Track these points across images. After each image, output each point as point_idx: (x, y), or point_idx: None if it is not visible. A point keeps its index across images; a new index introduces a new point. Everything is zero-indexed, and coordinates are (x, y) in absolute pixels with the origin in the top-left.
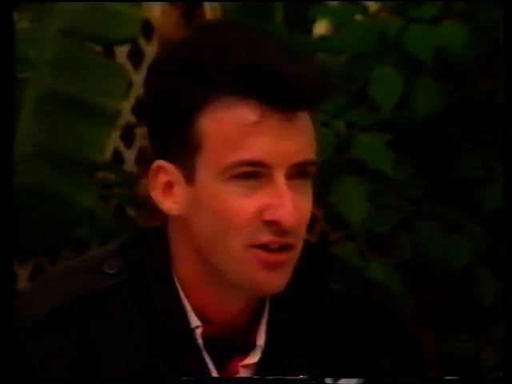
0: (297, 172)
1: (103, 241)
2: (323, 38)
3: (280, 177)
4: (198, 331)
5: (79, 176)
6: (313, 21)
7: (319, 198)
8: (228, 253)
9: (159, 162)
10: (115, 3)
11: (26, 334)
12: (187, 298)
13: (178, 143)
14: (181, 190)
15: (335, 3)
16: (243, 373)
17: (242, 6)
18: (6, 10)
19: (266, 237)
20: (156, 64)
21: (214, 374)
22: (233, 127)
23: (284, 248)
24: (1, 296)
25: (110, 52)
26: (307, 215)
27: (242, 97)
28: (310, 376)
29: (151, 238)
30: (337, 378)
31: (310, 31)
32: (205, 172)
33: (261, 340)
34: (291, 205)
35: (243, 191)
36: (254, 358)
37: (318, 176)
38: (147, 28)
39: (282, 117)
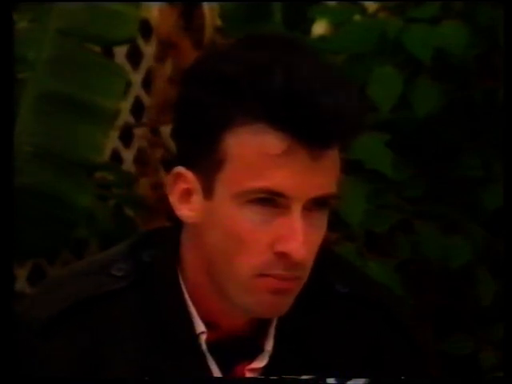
0: (315, 204)
1: (102, 241)
2: (322, 38)
3: (297, 209)
4: (203, 337)
5: (78, 176)
6: (312, 21)
7: None
8: (235, 277)
9: (179, 169)
10: (114, 3)
11: (32, 335)
12: (193, 303)
13: (201, 154)
14: (198, 200)
15: (334, 3)
16: (249, 376)
17: (241, 6)
18: (5, 10)
19: (274, 270)
20: (194, 69)
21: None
22: (257, 155)
23: (291, 279)
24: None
25: (108, 52)
26: (316, 248)
27: (271, 125)
28: (315, 377)
29: (160, 240)
30: (345, 380)
31: (308, 31)
32: (223, 190)
33: (269, 345)
34: (302, 239)
35: (258, 218)
36: (261, 363)
37: None
38: (146, 28)
39: (309, 152)
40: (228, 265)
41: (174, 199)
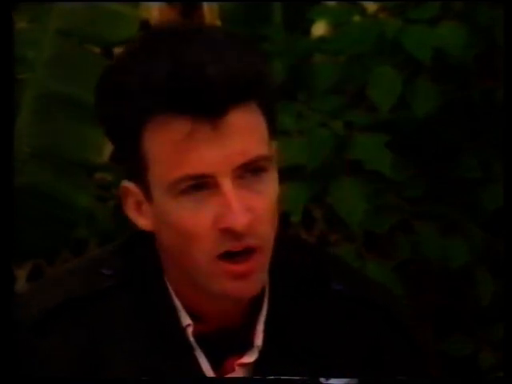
0: (247, 171)
1: (102, 241)
2: (322, 38)
3: (225, 183)
4: (189, 330)
5: (77, 177)
6: (311, 21)
7: (317, 199)
8: (195, 266)
9: (124, 184)
10: (113, 4)
11: (22, 334)
12: (178, 297)
13: (131, 163)
14: (147, 208)
15: (333, 3)
16: (239, 371)
17: (240, 6)
18: (5, 11)
19: (225, 244)
20: (96, 90)
21: (209, 372)
22: (168, 145)
23: (248, 252)
24: None
25: (108, 53)
26: (265, 212)
27: (169, 113)
28: (308, 377)
29: (147, 240)
30: (338, 378)
31: (308, 32)
32: (157, 190)
33: (258, 340)
34: (239, 208)
35: (194, 205)
36: (251, 358)
37: (317, 177)
38: (145, 29)
39: (213, 123)
40: (186, 258)
41: (130, 213)
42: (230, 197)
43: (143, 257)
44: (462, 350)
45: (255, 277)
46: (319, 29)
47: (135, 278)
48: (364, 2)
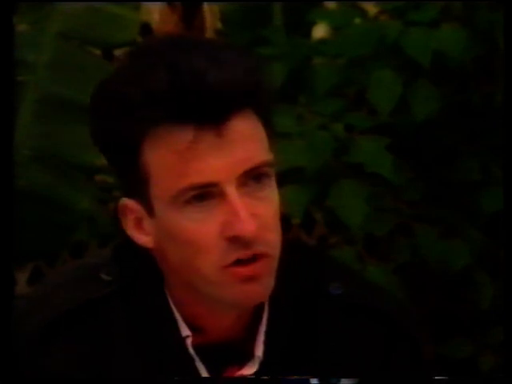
0: (250, 178)
1: (102, 244)
2: (322, 41)
3: (231, 190)
4: (189, 341)
5: (78, 179)
6: (312, 24)
7: (318, 202)
8: (203, 277)
9: (123, 201)
10: (114, 7)
11: (26, 345)
12: (177, 308)
13: (131, 179)
14: (148, 223)
15: (333, 6)
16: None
17: (241, 8)
18: (6, 13)
19: (234, 254)
20: (91, 103)
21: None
22: (170, 155)
23: (256, 259)
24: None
25: (109, 55)
26: (270, 219)
27: (170, 123)
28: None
29: (143, 249)
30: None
31: (308, 34)
32: (159, 203)
33: (259, 351)
34: (246, 215)
35: (199, 215)
36: (251, 369)
37: (317, 179)
38: (146, 31)
39: (215, 130)
40: (193, 270)
41: (129, 231)
42: (237, 204)
43: (142, 263)
44: (461, 352)
45: (264, 280)
46: (320, 31)
47: (134, 285)
48: (364, 5)
